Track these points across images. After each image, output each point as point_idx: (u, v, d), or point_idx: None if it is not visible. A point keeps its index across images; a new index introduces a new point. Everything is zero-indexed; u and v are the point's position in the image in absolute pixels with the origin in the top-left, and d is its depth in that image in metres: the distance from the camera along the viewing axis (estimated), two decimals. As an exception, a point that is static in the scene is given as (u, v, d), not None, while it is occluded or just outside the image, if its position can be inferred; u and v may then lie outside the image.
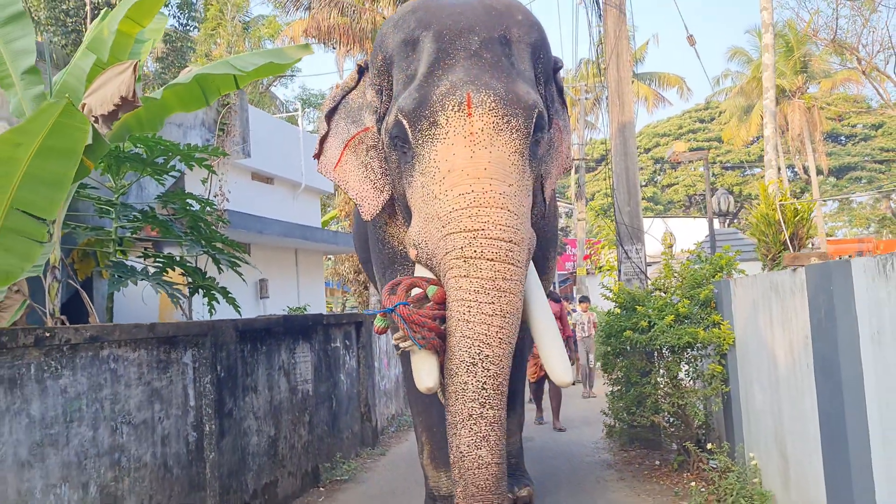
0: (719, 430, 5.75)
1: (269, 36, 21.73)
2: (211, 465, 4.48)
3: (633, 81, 27.36)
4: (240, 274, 5.80)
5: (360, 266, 16.17)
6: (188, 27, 19.49)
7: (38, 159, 3.05)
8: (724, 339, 5.18)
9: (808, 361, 3.43)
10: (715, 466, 5.15)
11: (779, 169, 31.31)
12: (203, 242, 5.60)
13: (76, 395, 3.44)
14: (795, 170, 34.95)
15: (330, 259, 16.09)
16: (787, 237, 5.72)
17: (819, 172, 28.34)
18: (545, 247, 4.44)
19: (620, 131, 6.93)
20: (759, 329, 4.50)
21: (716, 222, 13.41)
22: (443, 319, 3.09)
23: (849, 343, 2.94)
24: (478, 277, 2.98)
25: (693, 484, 5.16)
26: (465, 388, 2.93)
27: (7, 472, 3.02)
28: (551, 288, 6.48)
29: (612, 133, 7.00)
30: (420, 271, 3.35)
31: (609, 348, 6.19)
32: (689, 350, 5.50)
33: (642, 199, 36.78)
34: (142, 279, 4.96)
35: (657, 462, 6.20)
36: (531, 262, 3.43)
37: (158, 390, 4.08)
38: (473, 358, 2.93)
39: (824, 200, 41.04)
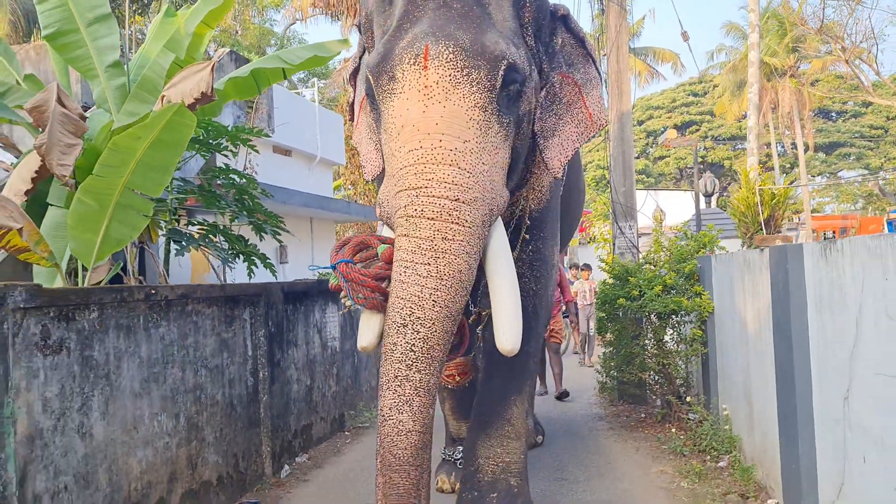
0: (697, 386, 6.58)
1: (273, 5, 22.15)
2: (264, 406, 5.26)
3: (629, 56, 27.68)
4: (280, 242, 6.53)
5: (366, 233, 16.95)
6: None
7: (151, 150, 3.75)
8: (705, 308, 5.97)
9: (769, 325, 4.21)
10: (693, 417, 5.98)
11: (767, 145, 31.92)
12: (246, 213, 6.31)
13: (170, 342, 4.19)
14: (784, 146, 35.62)
15: (337, 225, 16.85)
16: (763, 219, 6.48)
17: (806, 149, 29.03)
18: (547, 209, 4.20)
19: (619, 119, 7.66)
20: (734, 299, 5.28)
21: (702, 202, 14.12)
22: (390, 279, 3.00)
23: (799, 309, 3.70)
24: (416, 237, 2.87)
25: (673, 431, 6.01)
26: (394, 349, 2.83)
27: (126, 400, 3.77)
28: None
29: (610, 120, 7.72)
30: (386, 231, 3.28)
31: (603, 314, 6.98)
32: (673, 316, 6.29)
33: (636, 172, 37.28)
34: (197, 245, 5.68)
35: (643, 415, 7.03)
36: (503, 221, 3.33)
37: (226, 341, 4.83)
38: (404, 319, 2.82)
39: (809, 178, 41.85)
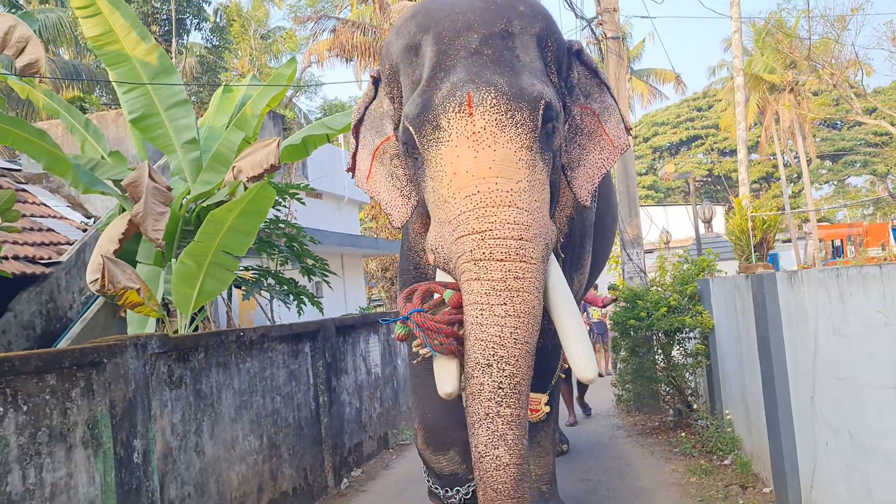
0: (704, 394, 7.34)
1: (290, 49, 23.27)
2: (325, 427, 6.07)
3: (629, 79, 28.47)
4: (328, 283, 7.39)
5: (386, 264, 17.87)
6: (220, 48, 20.95)
7: (239, 218, 4.61)
8: (706, 325, 6.74)
9: (755, 339, 4.99)
10: (701, 423, 6.74)
11: (773, 156, 32.38)
12: (296, 258, 7.17)
13: (254, 375, 5.03)
14: (787, 158, 36.22)
15: (364, 260, 17.77)
16: (755, 242, 7.27)
17: (809, 160, 29.71)
18: (581, 238, 4.44)
19: (622, 158, 8.48)
20: (729, 317, 6.06)
21: (701, 227, 14.92)
22: (461, 323, 3.06)
23: (775, 326, 4.49)
24: (488, 279, 2.93)
25: (683, 435, 6.76)
26: (482, 388, 2.89)
27: (225, 424, 4.60)
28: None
29: (615, 158, 8.52)
30: (441, 276, 3.32)
31: (617, 333, 7.77)
32: (679, 333, 7.07)
33: (642, 187, 37.81)
34: (259, 290, 6.54)
35: (657, 422, 7.78)
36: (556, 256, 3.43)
37: (293, 371, 5.66)
38: (488, 360, 2.89)
39: (816, 187, 42.33)
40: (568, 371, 7.69)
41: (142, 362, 3.75)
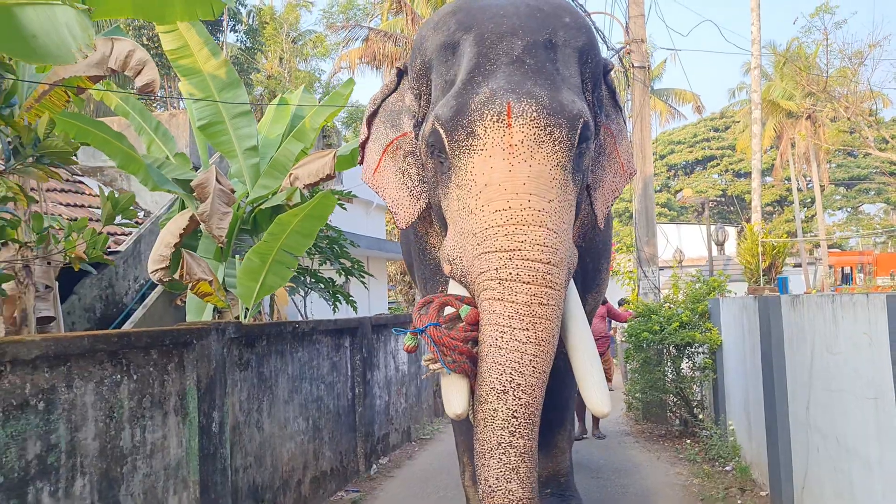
0: (709, 406, 7.84)
1: (320, 55, 23.95)
2: (359, 416, 6.61)
3: (650, 97, 28.86)
4: (364, 284, 7.94)
5: (405, 268, 18.43)
6: (253, 49, 21.61)
7: (302, 222, 5.17)
8: (714, 341, 7.25)
9: (759, 355, 5.49)
10: (706, 433, 7.23)
11: (787, 180, 32.70)
12: (336, 260, 7.73)
13: (304, 363, 5.57)
14: (801, 184, 36.58)
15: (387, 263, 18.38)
16: (764, 266, 7.78)
17: (823, 188, 30.10)
18: (596, 260, 4.43)
19: (642, 179, 9.03)
20: (736, 334, 6.57)
21: (714, 249, 15.41)
22: (475, 341, 2.94)
23: (778, 343, 4.99)
24: (513, 302, 2.82)
25: (689, 443, 7.27)
26: (495, 415, 2.77)
27: (280, 405, 5.15)
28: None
29: (636, 180, 9.08)
30: (454, 288, 3.20)
31: (630, 346, 8.28)
32: (689, 348, 7.58)
33: (657, 205, 38.28)
34: (308, 287, 7.09)
35: (664, 431, 8.28)
36: (574, 278, 3.31)
37: (335, 363, 6.21)
38: (504, 385, 2.77)
39: (830, 213, 42.63)
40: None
41: (221, 345, 4.30)
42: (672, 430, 8.19)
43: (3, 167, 3.34)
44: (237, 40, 21.29)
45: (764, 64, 32.68)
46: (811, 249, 36.28)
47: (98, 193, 9.26)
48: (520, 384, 2.78)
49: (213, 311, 6.07)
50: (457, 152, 3.09)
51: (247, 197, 6.38)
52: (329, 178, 5.83)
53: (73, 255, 3.85)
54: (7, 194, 3.48)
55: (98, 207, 8.83)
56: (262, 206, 6.33)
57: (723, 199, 46.12)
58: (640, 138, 8.99)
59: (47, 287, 4.74)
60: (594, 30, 3.66)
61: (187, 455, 3.96)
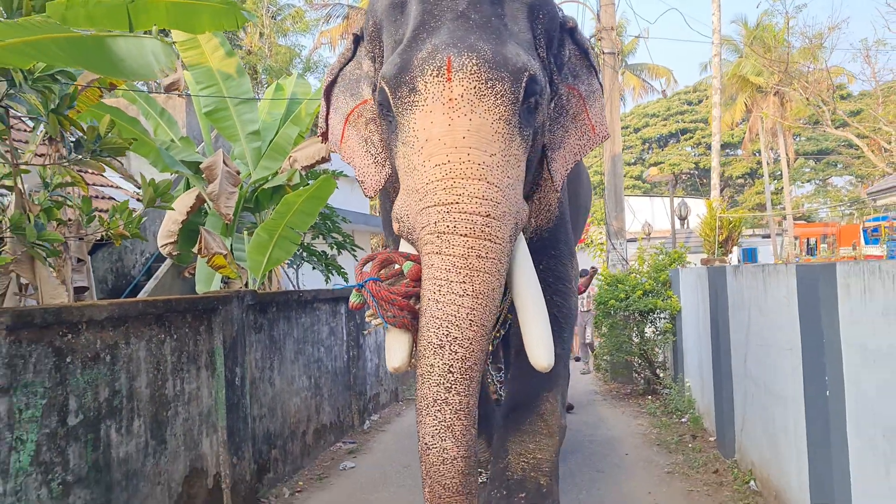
0: (669, 366, 8.63)
1: (300, 30, 24.21)
2: (353, 377, 7.30)
3: (622, 73, 29.59)
4: (355, 256, 8.59)
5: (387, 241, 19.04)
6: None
7: (306, 202, 5.79)
8: (674, 307, 8.01)
9: (709, 319, 6.25)
10: (666, 392, 8.02)
11: (757, 152, 33.61)
12: (328, 234, 8.35)
13: (306, 328, 6.23)
14: (769, 157, 37.52)
15: (371, 237, 19.02)
16: (721, 239, 8.54)
17: (789, 161, 31.09)
18: (559, 222, 4.23)
19: (611, 159, 9.71)
20: (692, 301, 7.32)
21: (677, 223, 16.23)
22: (418, 297, 2.90)
23: (724, 308, 5.74)
24: (450, 255, 2.77)
25: (650, 399, 8.05)
26: (432, 370, 2.72)
27: (287, 364, 5.81)
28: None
29: (605, 160, 9.77)
30: (404, 246, 3.16)
31: (599, 312, 9.04)
32: (652, 314, 8.34)
33: (630, 177, 38.94)
34: (304, 260, 7.71)
35: (629, 390, 9.08)
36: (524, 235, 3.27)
37: (332, 328, 6.87)
38: (441, 340, 2.72)
39: (798, 185, 43.75)
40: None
41: (241, 310, 4.95)
42: (637, 388, 8.99)
43: (66, 158, 3.93)
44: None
45: (736, 39, 33.54)
46: (780, 221, 37.48)
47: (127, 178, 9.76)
48: (456, 338, 2.72)
49: (220, 281, 6.69)
50: (401, 109, 3.04)
51: (249, 178, 6.96)
52: (324, 160, 6.42)
53: (114, 233, 4.44)
54: (64, 180, 4.07)
55: (105, 186, 9.34)
56: (264, 187, 6.92)
57: (695, 172, 47.09)
58: (609, 119, 9.66)
59: (80, 260, 5.33)
60: None
61: (216, 404, 4.62)
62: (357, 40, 3.71)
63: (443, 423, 2.68)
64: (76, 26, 3.45)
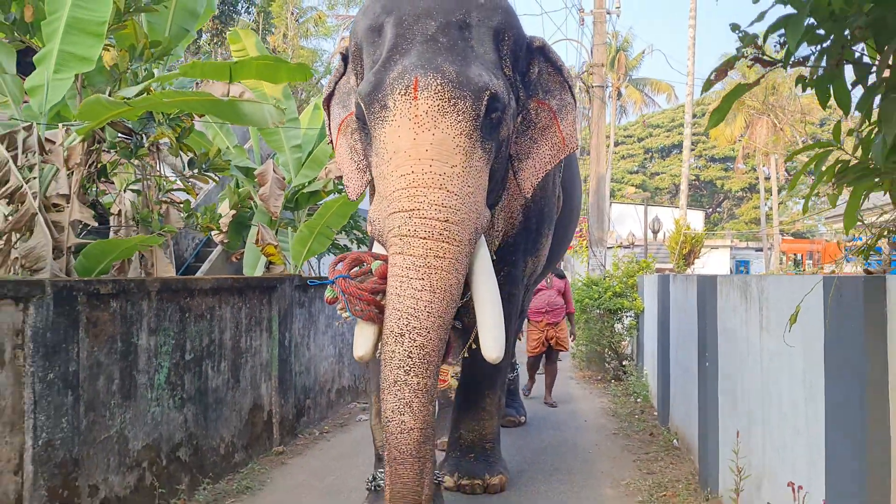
0: (634, 357, 10.17)
1: (322, 34, 25.72)
2: (367, 351, 8.82)
3: (626, 86, 31.16)
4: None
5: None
6: (264, 31, 23.36)
7: (340, 206, 7.31)
8: (638, 308, 9.54)
9: (658, 317, 7.76)
10: (630, 378, 9.55)
11: (754, 169, 35.01)
12: (351, 230, 9.88)
13: (334, 307, 7.74)
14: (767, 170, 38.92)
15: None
16: (685, 252, 10.06)
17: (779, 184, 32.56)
18: (539, 225, 4.72)
19: (596, 178, 11.23)
20: (651, 302, 8.84)
21: (650, 235, 17.82)
22: (384, 293, 3.21)
23: (668, 309, 7.25)
24: (410, 255, 3.09)
25: (615, 383, 9.59)
26: (393, 356, 3.04)
27: (319, 334, 7.34)
28: (558, 266, 8.25)
29: (591, 180, 11.30)
30: (377, 248, 3.52)
31: (577, 309, 10.58)
32: (620, 312, 9.87)
33: (632, 186, 40.30)
34: (329, 252, 9.24)
35: (600, 376, 10.60)
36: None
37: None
38: (402, 329, 3.04)
39: (794, 201, 45.14)
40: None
41: (291, 289, 6.49)
42: (607, 375, 10.51)
43: (181, 174, 5.46)
44: (250, 20, 23.02)
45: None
46: (769, 235, 39.04)
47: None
48: (415, 327, 3.04)
49: (264, 266, 8.22)
50: (374, 124, 3.36)
51: (290, 183, 8.48)
52: (356, 173, 7.94)
53: (202, 225, 5.97)
54: (173, 187, 5.62)
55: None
56: (303, 191, 8.45)
57: (696, 183, 48.51)
58: (596, 143, 11.18)
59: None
60: (512, 11, 3.73)
61: (271, 358, 6.16)
62: (345, 58, 4.09)
63: (402, 401, 3.03)
64: (195, 77, 5.04)
